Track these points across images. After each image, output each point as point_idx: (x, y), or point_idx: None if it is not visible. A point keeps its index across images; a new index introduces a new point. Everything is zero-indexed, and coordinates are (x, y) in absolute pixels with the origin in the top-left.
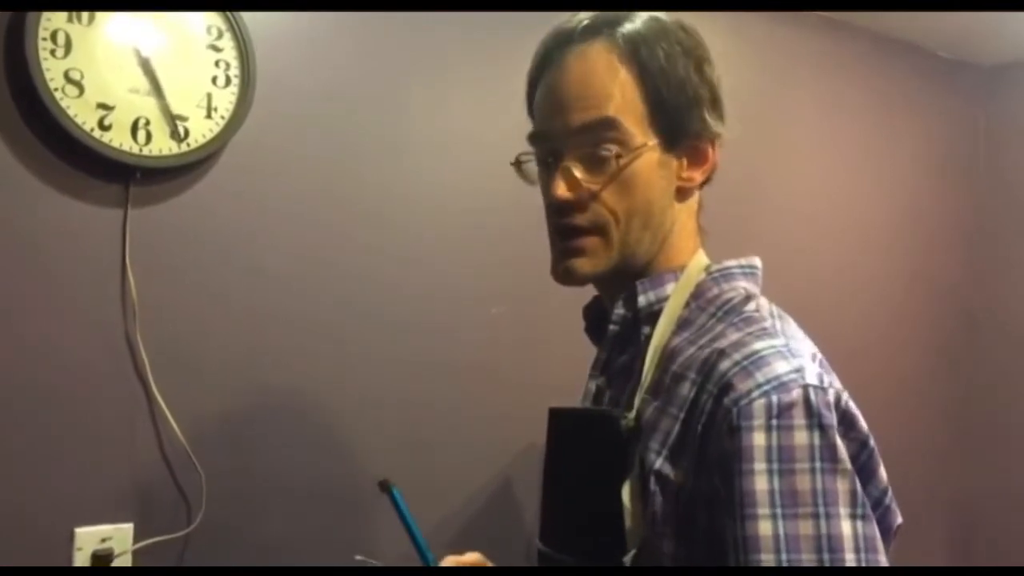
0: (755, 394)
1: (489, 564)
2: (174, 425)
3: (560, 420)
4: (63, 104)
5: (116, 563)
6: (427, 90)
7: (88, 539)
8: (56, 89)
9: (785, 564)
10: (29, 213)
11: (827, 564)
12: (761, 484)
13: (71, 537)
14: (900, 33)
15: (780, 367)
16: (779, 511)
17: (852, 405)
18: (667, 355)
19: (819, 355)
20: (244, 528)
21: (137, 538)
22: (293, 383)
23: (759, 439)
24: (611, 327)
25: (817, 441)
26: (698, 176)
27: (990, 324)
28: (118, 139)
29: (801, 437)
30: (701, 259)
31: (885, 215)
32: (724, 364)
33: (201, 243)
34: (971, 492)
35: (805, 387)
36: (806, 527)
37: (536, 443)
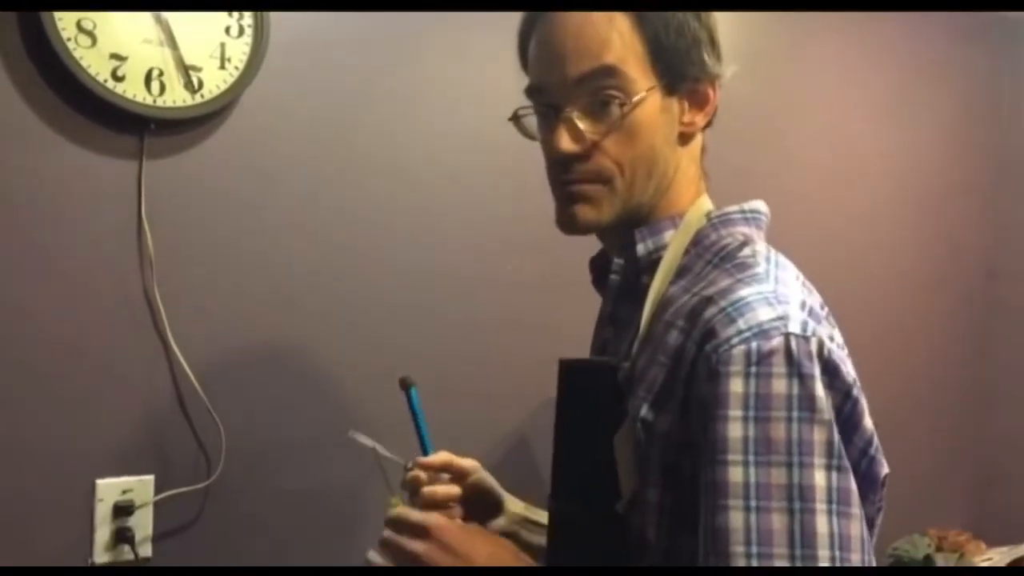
0: (735, 341)
1: (483, 473)
2: (192, 378)
3: (567, 371)
4: (76, 54)
5: (137, 514)
6: (443, 40)
7: (109, 491)
8: (69, 39)
9: (753, 510)
10: (44, 165)
11: (797, 513)
12: (736, 431)
13: (92, 489)
14: None
15: (763, 314)
16: (752, 458)
17: (837, 354)
18: (663, 304)
19: (811, 303)
20: (263, 481)
21: (158, 490)
22: (310, 335)
23: (737, 386)
24: (612, 277)
25: (795, 390)
26: (700, 120)
27: (1012, 280)
28: (132, 90)
29: (779, 385)
30: (702, 205)
31: (906, 168)
32: (709, 311)
33: (217, 194)
34: (992, 447)
35: (787, 335)
36: (778, 475)
37: (554, 396)
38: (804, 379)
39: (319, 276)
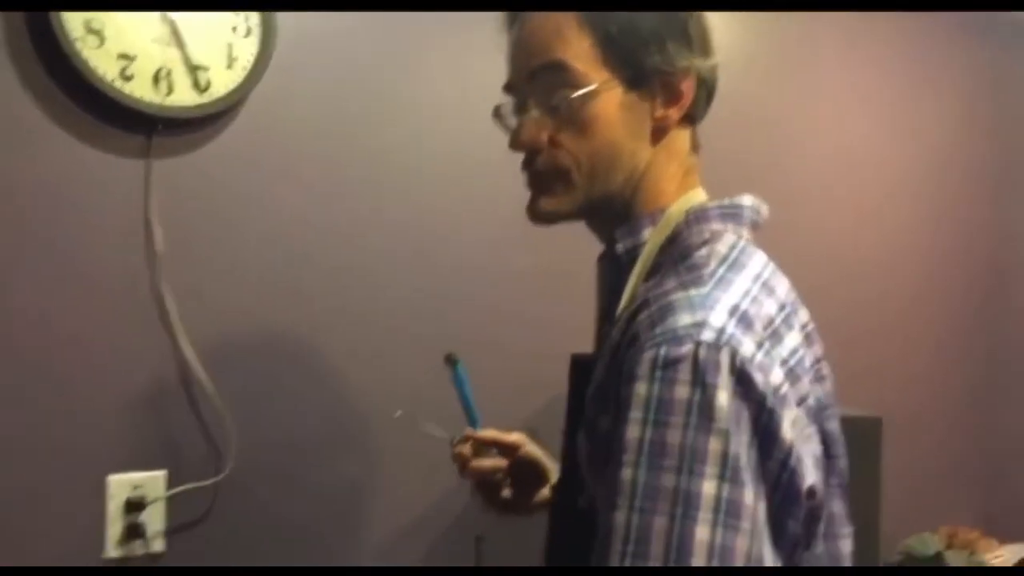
0: (648, 345)
1: (531, 445)
2: (203, 374)
3: (573, 367)
4: (84, 55)
5: (149, 510)
6: (451, 38)
7: (121, 487)
8: (77, 39)
9: (636, 511)
10: (52, 164)
11: (679, 519)
12: (634, 432)
13: (104, 485)
14: None
15: (681, 319)
16: (644, 459)
17: (754, 364)
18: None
19: (750, 309)
20: (274, 475)
21: (170, 485)
22: (319, 330)
23: (641, 389)
24: (599, 275)
25: (696, 397)
26: (674, 113)
27: (1018, 276)
28: (140, 90)
29: (681, 391)
30: (685, 202)
31: (909, 166)
32: (642, 314)
33: (224, 193)
34: (1001, 444)
35: (697, 343)
36: (667, 479)
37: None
38: (706, 388)
39: (327, 272)
